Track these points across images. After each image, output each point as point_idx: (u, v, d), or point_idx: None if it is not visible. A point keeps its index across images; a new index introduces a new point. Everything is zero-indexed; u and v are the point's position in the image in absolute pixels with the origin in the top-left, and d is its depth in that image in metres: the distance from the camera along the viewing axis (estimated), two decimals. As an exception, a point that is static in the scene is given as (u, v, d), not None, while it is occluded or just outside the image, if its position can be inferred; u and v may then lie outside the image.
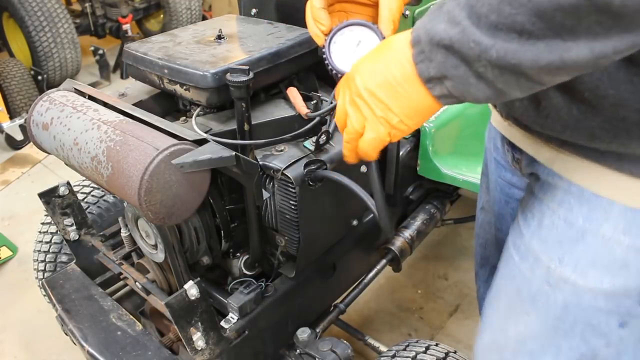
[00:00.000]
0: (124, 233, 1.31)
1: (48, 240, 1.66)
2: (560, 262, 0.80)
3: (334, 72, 0.89)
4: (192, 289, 1.04)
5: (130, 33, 4.39)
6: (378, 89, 0.70)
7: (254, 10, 1.54)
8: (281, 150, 1.19)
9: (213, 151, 0.97)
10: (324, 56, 0.89)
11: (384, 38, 0.86)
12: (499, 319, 0.95)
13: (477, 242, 1.29)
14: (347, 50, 0.88)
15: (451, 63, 0.62)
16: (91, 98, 1.20)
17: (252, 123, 1.15)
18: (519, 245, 0.88)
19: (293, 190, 1.14)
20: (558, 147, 0.78)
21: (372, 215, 1.51)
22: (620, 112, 0.67)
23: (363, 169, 1.33)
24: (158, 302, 1.20)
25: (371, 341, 1.57)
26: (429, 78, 0.65)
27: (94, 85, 4.05)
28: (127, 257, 1.39)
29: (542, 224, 0.83)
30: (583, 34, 0.52)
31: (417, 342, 1.29)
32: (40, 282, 1.59)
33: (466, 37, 0.58)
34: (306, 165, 1.16)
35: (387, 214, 0.98)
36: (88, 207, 1.65)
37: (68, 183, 1.38)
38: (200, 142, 1.01)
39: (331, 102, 1.26)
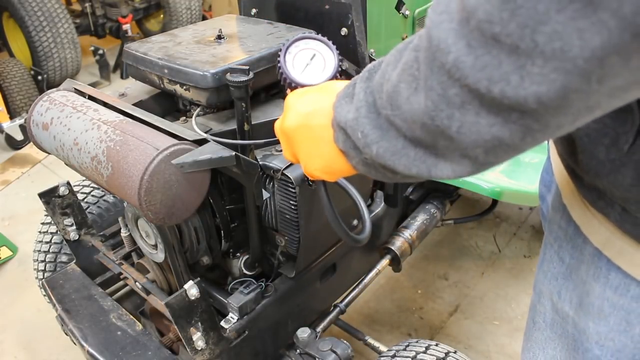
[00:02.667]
0: (124, 233, 1.31)
1: (48, 240, 1.66)
2: (559, 296, 0.79)
3: (287, 81, 0.89)
4: (192, 289, 1.04)
5: (130, 33, 4.39)
6: (305, 142, 0.71)
7: (254, 10, 1.54)
8: (281, 150, 1.19)
9: (213, 151, 0.97)
10: (279, 65, 0.89)
11: (338, 55, 0.87)
12: (528, 350, 0.92)
13: None
14: (302, 61, 0.89)
15: (348, 145, 0.62)
16: (91, 98, 1.20)
17: (252, 123, 1.15)
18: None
19: (293, 190, 1.14)
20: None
21: (372, 215, 1.51)
22: None
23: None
24: (158, 302, 1.20)
25: (371, 341, 1.57)
26: (340, 150, 0.65)
27: (94, 85, 4.05)
28: (127, 257, 1.39)
29: (544, 256, 0.83)
30: (446, 153, 0.51)
31: (417, 342, 1.29)
32: (40, 282, 1.59)
33: (357, 126, 0.58)
34: (306, 165, 1.16)
35: (343, 227, 0.98)
36: (88, 207, 1.65)
37: (68, 183, 1.38)
38: (200, 142, 1.01)
39: None
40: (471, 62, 0.42)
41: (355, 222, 1.41)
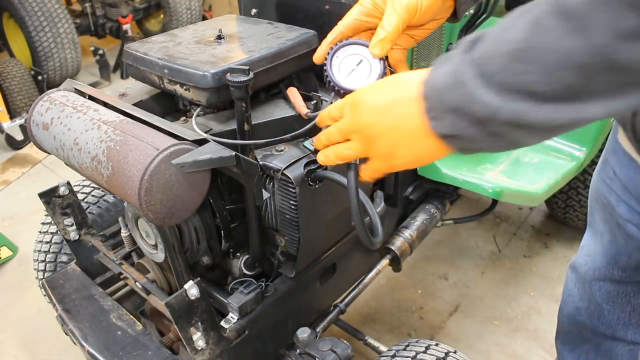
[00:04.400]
0: (124, 233, 1.31)
1: (48, 240, 1.66)
2: None
3: (331, 84, 0.90)
4: (192, 289, 1.04)
5: (130, 33, 4.39)
6: (387, 134, 0.70)
7: (254, 10, 1.54)
8: (281, 150, 1.19)
9: (213, 151, 0.97)
10: (325, 68, 0.90)
11: (385, 63, 0.87)
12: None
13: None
14: (348, 66, 0.90)
15: (462, 125, 0.61)
16: (91, 98, 1.20)
17: (252, 123, 1.15)
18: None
19: (293, 190, 1.14)
20: None
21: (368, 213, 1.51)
22: None
23: (363, 169, 1.33)
24: (158, 302, 1.20)
25: (371, 341, 1.57)
26: (443, 135, 0.64)
27: (94, 85, 4.05)
28: (127, 257, 1.39)
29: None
30: (596, 93, 0.53)
31: (417, 342, 1.29)
32: (41, 282, 1.59)
33: (474, 99, 0.58)
34: (306, 165, 1.16)
35: (365, 227, 0.99)
36: (88, 207, 1.65)
37: (68, 183, 1.38)
38: (200, 142, 1.01)
39: (331, 102, 1.26)
40: None
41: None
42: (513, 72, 0.54)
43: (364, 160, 0.81)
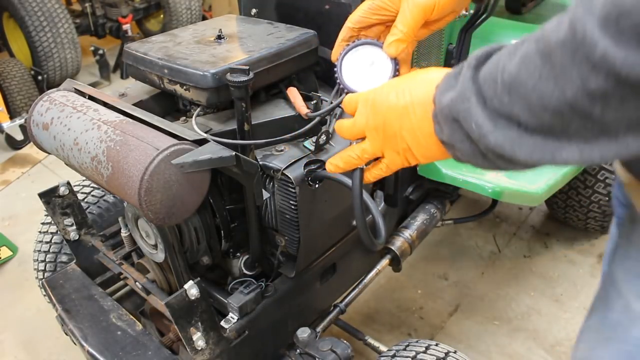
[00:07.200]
0: (124, 233, 1.31)
1: (48, 240, 1.66)
2: (637, 297, 0.77)
3: (341, 86, 0.89)
4: (192, 289, 1.04)
5: (130, 33, 4.39)
6: (404, 132, 0.72)
7: (254, 10, 1.54)
8: (281, 150, 1.19)
9: (213, 151, 0.97)
10: (335, 69, 0.89)
11: (397, 64, 0.86)
12: (588, 342, 0.90)
13: None
14: (360, 68, 0.89)
15: (457, 137, 0.63)
16: (91, 98, 1.20)
17: (252, 123, 1.15)
18: (607, 272, 0.86)
19: (293, 190, 1.14)
20: None
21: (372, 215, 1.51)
22: None
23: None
24: (158, 302, 1.20)
25: (371, 341, 1.57)
26: (442, 141, 0.67)
27: (94, 85, 4.05)
28: (127, 257, 1.39)
29: (629, 254, 0.81)
30: (573, 136, 0.53)
31: (417, 342, 1.29)
32: (41, 282, 1.59)
33: (471, 117, 0.59)
34: (306, 165, 1.16)
35: (368, 229, 0.99)
36: (88, 207, 1.65)
37: (68, 183, 1.38)
38: (201, 142, 1.01)
39: (331, 102, 1.26)
40: (622, 56, 0.43)
41: (354, 222, 1.41)
42: (504, 102, 0.56)
43: (369, 162, 0.83)
